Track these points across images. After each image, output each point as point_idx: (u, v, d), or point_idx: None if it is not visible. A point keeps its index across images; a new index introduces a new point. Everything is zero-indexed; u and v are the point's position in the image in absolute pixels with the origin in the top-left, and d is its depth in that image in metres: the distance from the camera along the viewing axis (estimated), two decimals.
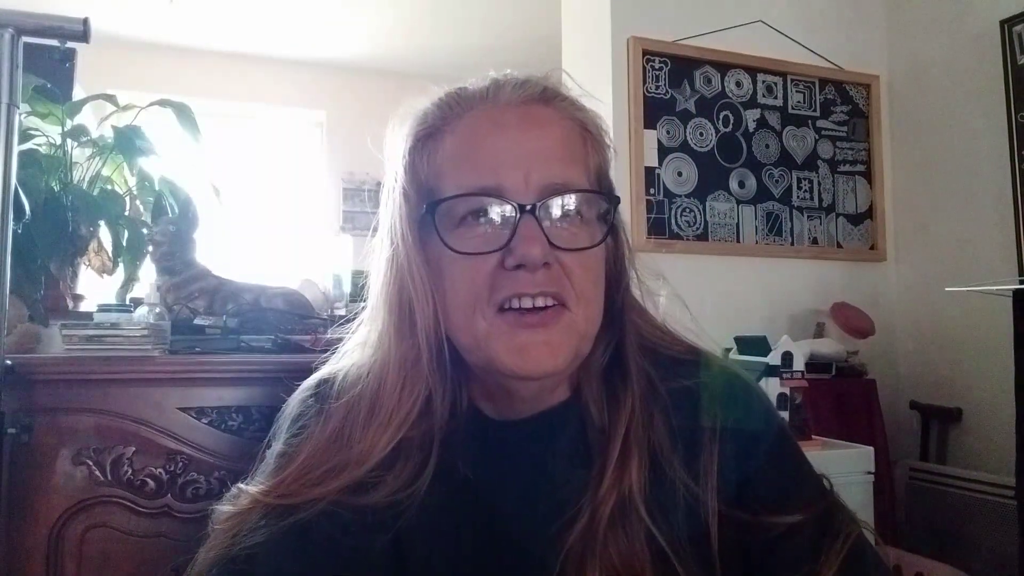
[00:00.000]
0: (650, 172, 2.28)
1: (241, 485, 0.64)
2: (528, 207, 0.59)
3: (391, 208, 0.65)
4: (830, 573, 0.59)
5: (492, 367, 0.61)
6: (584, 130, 0.66)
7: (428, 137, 0.64)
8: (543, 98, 0.64)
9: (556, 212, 0.61)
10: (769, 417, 0.67)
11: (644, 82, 2.29)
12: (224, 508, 0.63)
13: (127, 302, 1.39)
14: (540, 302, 0.59)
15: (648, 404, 0.64)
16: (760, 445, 0.64)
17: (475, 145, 0.62)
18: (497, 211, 0.60)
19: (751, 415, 0.66)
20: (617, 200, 0.65)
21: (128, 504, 0.98)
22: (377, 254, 0.67)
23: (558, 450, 0.65)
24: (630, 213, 2.23)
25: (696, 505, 0.61)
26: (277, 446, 0.68)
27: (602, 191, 0.66)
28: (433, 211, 0.61)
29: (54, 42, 0.96)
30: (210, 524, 0.64)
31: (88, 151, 1.43)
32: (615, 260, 0.67)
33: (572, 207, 0.61)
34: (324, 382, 0.70)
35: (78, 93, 1.45)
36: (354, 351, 0.70)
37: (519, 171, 0.60)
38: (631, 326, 0.67)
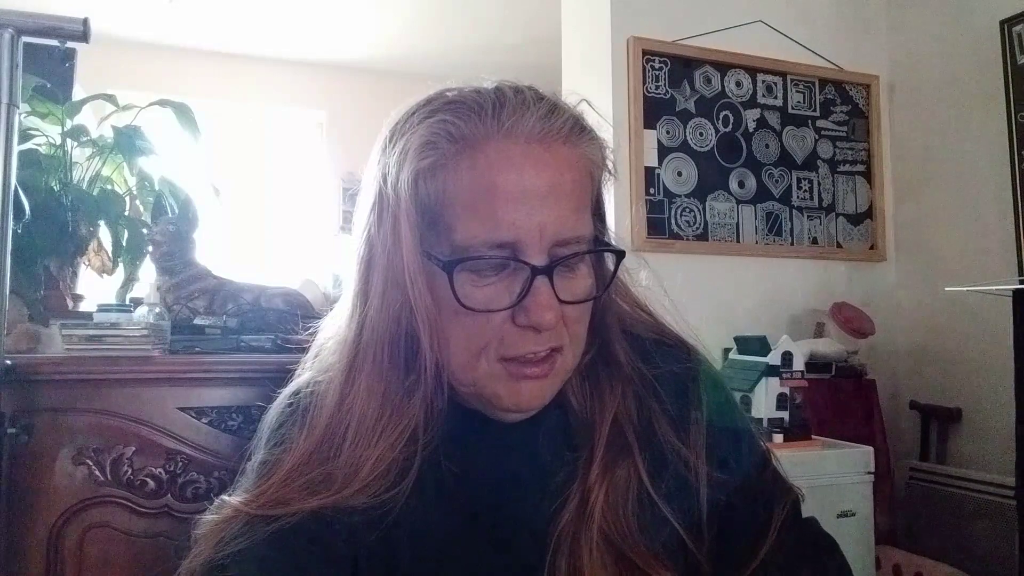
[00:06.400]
0: (650, 172, 2.28)
1: (224, 497, 0.64)
2: (541, 267, 0.58)
3: (394, 234, 0.60)
4: (772, 539, 0.66)
5: (485, 401, 0.63)
6: (593, 166, 0.64)
7: (437, 165, 0.59)
8: (569, 138, 0.61)
9: (566, 269, 0.61)
10: (734, 399, 0.77)
11: (644, 82, 2.28)
12: (207, 518, 0.63)
13: (127, 302, 1.39)
14: (540, 353, 0.61)
15: (638, 387, 0.68)
16: (733, 422, 0.71)
17: (491, 191, 0.58)
18: (511, 267, 0.59)
19: (726, 397, 0.74)
20: (622, 253, 0.65)
21: (128, 504, 0.98)
22: (365, 263, 0.64)
23: (542, 436, 0.66)
24: (630, 213, 2.23)
25: (689, 476, 0.65)
26: (258, 456, 0.68)
27: (600, 223, 0.67)
28: (451, 268, 0.58)
29: (54, 42, 0.96)
30: (192, 534, 0.63)
31: (88, 151, 1.43)
32: (601, 272, 0.68)
33: (579, 261, 0.62)
34: (302, 390, 0.69)
35: (78, 93, 1.45)
36: (334, 354, 0.68)
37: (535, 224, 0.58)
38: (617, 317, 0.70)
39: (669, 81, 2.33)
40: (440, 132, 0.59)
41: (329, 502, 0.60)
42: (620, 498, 0.63)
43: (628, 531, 0.62)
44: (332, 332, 0.70)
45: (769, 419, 1.65)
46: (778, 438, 1.64)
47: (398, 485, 0.61)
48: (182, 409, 1.01)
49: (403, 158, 0.60)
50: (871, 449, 1.69)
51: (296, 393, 0.70)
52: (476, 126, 0.59)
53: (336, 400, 0.64)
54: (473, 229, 0.58)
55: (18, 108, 0.92)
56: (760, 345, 1.71)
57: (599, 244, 0.65)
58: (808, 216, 2.50)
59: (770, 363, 1.66)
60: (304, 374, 0.71)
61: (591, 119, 0.65)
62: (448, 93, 0.63)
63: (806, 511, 0.73)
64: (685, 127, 2.34)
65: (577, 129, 0.62)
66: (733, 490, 0.67)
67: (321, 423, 0.64)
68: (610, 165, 0.67)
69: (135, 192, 1.47)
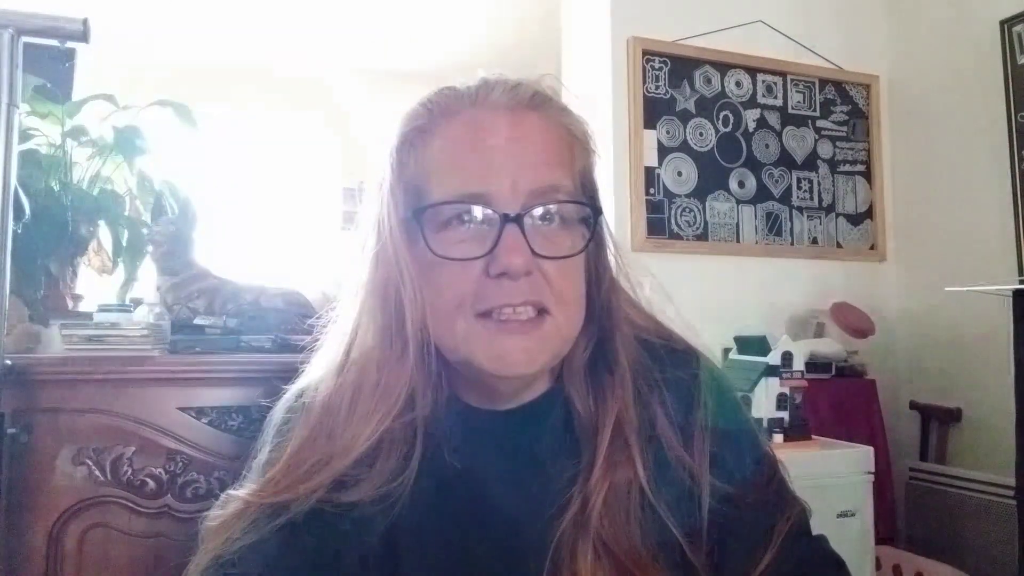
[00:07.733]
0: (650, 172, 2.28)
1: (230, 491, 0.65)
2: (512, 215, 0.60)
3: (380, 205, 0.65)
4: (773, 550, 0.64)
5: (471, 366, 0.63)
6: (571, 136, 0.67)
7: (416, 137, 0.65)
8: (532, 103, 0.65)
9: (540, 220, 0.62)
10: (742, 406, 0.75)
11: (644, 82, 2.29)
12: (214, 513, 0.64)
13: (127, 302, 1.39)
14: (522, 314, 0.61)
15: (643, 392, 0.67)
16: (739, 430, 0.70)
17: (463, 149, 0.62)
18: (482, 217, 0.61)
19: (734, 403, 0.73)
20: (600, 211, 0.66)
21: (128, 504, 0.98)
22: (362, 248, 0.67)
23: (544, 438, 0.66)
24: (630, 213, 2.23)
25: (691, 484, 0.65)
26: (264, 455, 0.69)
27: (586, 198, 0.67)
28: (420, 216, 0.62)
29: (54, 42, 0.96)
30: (200, 531, 0.64)
31: (88, 151, 1.43)
32: (596, 259, 0.68)
33: (555, 214, 0.63)
34: (307, 389, 0.70)
35: (78, 93, 1.45)
36: (332, 347, 0.70)
37: (506, 177, 0.61)
38: (622, 318, 0.69)
39: (669, 81, 2.33)
40: (421, 108, 0.66)
41: (335, 473, 0.61)
42: (620, 504, 0.62)
43: (626, 537, 0.62)
44: (335, 331, 0.71)
45: (769, 419, 1.65)
46: (778, 438, 1.64)
47: (401, 473, 0.62)
48: (182, 409, 1.01)
49: (392, 133, 0.67)
50: (871, 449, 1.69)
51: (303, 392, 0.70)
52: (451, 101, 0.65)
53: (333, 380, 0.66)
54: (446, 185, 0.62)
55: (18, 108, 0.92)
56: (760, 345, 1.71)
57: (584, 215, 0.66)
58: (808, 216, 2.50)
59: (770, 363, 1.65)
60: (310, 373, 0.72)
61: (571, 102, 0.69)
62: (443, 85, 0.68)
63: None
64: (685, 127, 2.34)
65: (541, 96, 0.66)
66: (734, 499, 0.66)
67: (319, 402, 0.65)
68: (592, 144, 0.69)
69: (135, 192, 1.47)
